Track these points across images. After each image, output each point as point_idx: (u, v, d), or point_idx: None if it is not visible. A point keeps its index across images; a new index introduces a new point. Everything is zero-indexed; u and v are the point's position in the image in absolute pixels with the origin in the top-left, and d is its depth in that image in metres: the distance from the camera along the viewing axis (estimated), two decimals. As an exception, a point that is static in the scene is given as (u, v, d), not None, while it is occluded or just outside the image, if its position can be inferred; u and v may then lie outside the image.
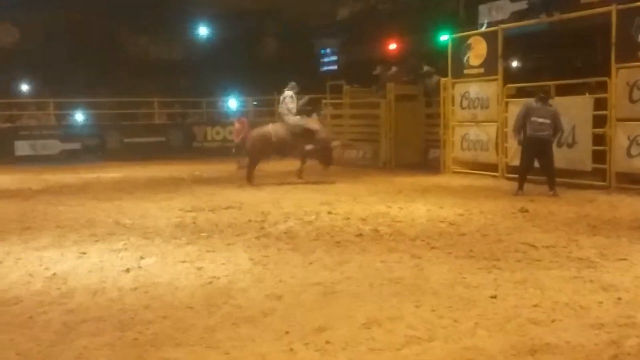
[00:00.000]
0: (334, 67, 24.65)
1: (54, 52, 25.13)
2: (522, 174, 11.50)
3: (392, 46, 20.94)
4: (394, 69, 19.16)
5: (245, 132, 16.31)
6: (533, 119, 11.01)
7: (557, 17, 14.52)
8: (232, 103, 24.44)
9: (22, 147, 20.67)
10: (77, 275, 6.16)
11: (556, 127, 11.10)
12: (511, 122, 12.33)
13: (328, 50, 25.10)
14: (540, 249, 6.96)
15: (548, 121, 10.96)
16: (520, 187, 11.33)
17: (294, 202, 10.63)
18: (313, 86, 22.39)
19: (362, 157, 18.46)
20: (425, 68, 17.57)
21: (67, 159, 20.43)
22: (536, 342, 4.25)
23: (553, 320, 4.66)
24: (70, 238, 7.91)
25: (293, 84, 13.83)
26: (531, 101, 11.41)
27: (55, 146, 21.11)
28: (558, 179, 11.23)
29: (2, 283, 5.91)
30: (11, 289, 5.70)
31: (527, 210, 9.39)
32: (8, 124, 21.70)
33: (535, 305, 4.99)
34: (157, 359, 4.15)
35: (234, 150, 17.63)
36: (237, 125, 18.20)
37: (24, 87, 26.29)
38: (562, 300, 5.11)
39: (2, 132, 20.90)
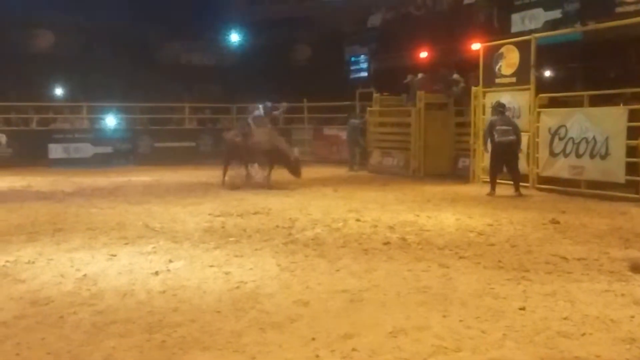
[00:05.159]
0: (364, 75, 24.60)
1: (88, 57, 25.47)
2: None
3: (423, 54, 20.84)
4: (420, 75, 19.04)
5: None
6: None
7: (591, 26, 14.36)
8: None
9: (55, 150, 20.98)
10: (107, 277, 6.24)
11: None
12: (543, 133, 12.34)
13: (358, 58, 25.08)
14: (571, 261, 6.88)
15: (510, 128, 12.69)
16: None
17: (322, 209, 10.64)
18: (343, 93, 22.47)
19: (395, 165, 18.43)
20: (454, 76, 17.50)
21: (99, 162, 20.67)
22: (565, 355, 4.20)
23: (583, 334, 4.61)
24: (101, 240, 8.01)
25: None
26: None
27: (87, 149, 21.38)
28: (591, 191, 11.29)
29: (34, 283, 6.01)
30: (43, 289, 5.79)
31: (558, 222, 9.28)
32: (41, 126, 22.03)
33: (565, 318, 4.93)
34: (184, 362, 4.18)
35: None
36: None
37: (58, 91, 26.63)
38: (593, 313, 5.04)
39: (36, 135, 21.23)
